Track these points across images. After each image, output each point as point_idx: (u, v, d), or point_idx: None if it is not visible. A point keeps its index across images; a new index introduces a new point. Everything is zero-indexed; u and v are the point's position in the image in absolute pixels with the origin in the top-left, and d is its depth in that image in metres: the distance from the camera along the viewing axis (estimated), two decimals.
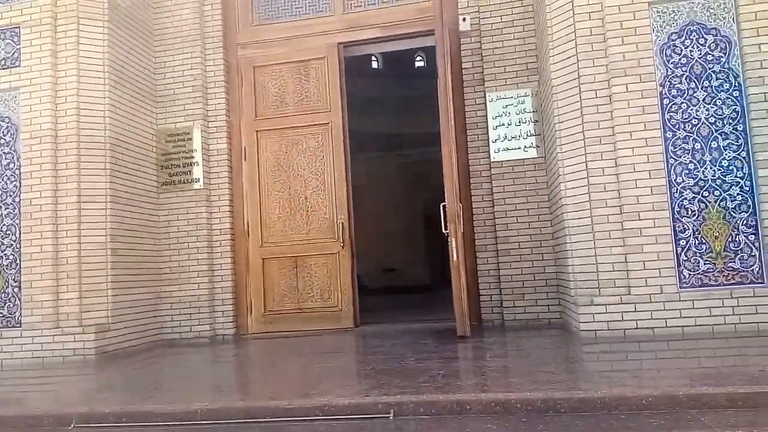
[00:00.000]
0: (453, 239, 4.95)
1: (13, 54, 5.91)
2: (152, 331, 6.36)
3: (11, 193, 5.76)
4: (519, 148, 5.91)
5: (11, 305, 5.65)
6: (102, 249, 5.75)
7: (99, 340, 5.46)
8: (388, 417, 2.78)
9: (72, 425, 3.15)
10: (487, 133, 6.02)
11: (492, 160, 5.96)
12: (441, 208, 5.10)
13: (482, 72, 6.11)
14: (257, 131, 6.81)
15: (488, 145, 6.00)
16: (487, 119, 6.03)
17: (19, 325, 5.61)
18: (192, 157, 6.68)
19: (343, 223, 6.48)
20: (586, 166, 4.74)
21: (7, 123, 5.85)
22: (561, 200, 5.05)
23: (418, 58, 13.62)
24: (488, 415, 2.69)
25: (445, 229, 5.03)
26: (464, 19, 5.97)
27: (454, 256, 4.93)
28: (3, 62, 5.91)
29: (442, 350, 4.48)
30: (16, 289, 5.66)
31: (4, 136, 5.84)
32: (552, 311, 5.66)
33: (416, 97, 13.56)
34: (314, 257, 6.55)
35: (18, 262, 5.67)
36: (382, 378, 3.46)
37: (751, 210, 4.49)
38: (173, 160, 6.71)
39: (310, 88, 6.75)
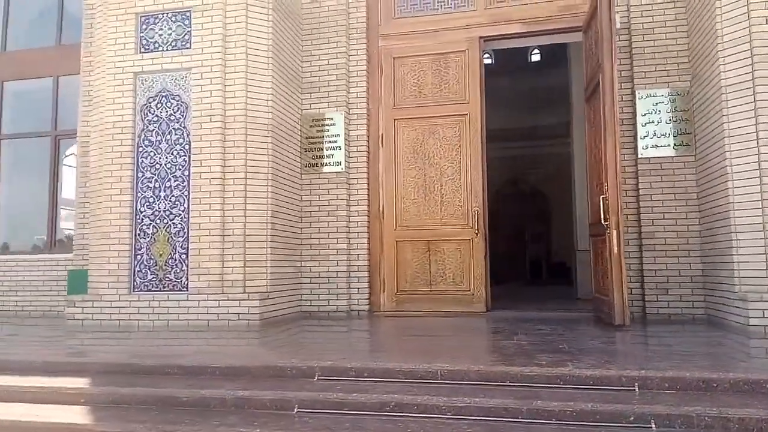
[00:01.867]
0: (614, 231, 5.11)
1: (183, 36, 6.34)
2: (295, 302, 6.75)
3: (180, 167, 6.21)
4: (668, 145, 6.00)
5: (178, 270, 6.11)
6: (263, 222, 6.15)
7: (261, 307, 5.86)
8: (633, 390, 2.99)
9: (316, 377, 3.49)
10: (634, 129, 6.13)
11: (639, 156, 6.06)
12: (601, 200, 5.25)
13: (631, 70, 6.20)
14: (395, 119, 7.09)
15: (634, 141, 6.11)
16: (635, 116, 6.12)
17: (185, 290, 6.06)
18: (335, 142, 7.02)
19: (477, 212, 6.70)
20: (759, 166, 4.81)
21: (178, 101, 6.28)
22: (723, 199, 5.13)
23: (535, 52, 13.68)
24: (736, 393, 2.87)
25: (605, 221, 5.19)
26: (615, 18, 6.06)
27: (615, 248, 5.08)
28: (174, 43, 6.34)
29: (612, 336, 4.67)
30: (183, 256, 6.11)
31: (175, 113, 6.28)
32: (696, 307, 5.75)
33: (522, 91, 13.82)
34: (447, 242, 6.80)
35: (186, 230, 6.12)
36: (603, 357, 3.62)
37: None
38: (316, 143, 7.07)
39: (449, 79, 6.98)
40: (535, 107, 14.49)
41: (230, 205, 6.06)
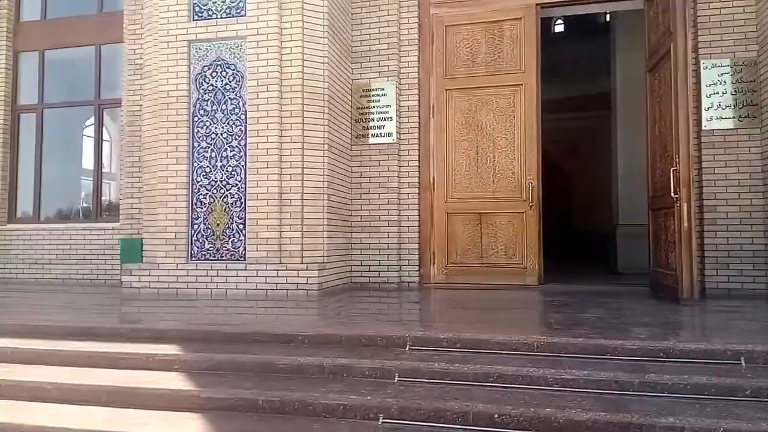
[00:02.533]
0: (684, 205, 5.03)
1: (238, 3, 6.23)
2: (346, 273, 6.77)
3: (237, 137, 6.17)
4: (733, 117, 5.87)
5: (235, 240, 6.13)
6: (320, 193, 6.13)
7: (319, 278, 5.88)
8: (740, 364, 2.98)
9: (407, 347, 3.50)
10: (697, 100, 5.99)
11: (703, 128, 5.94)
12: (672, 173, 5.16)
13: (696, 39, 6.04)
14: (446, 89, 6.98)
15: (698, 113, 5.98)
16: (699, 87, 5.98)
17: (242, 259, 6.08)
18: (386, 113, 6.94)
19: (532, 184, 6.63)
20: None
21: (233, 70, 6.21)
22: None
23: (558, 23, 13.36)
24: None
25: (675, 193, 5.11)
26: None
27: (685, 222, 5.02)
28: (228, 11, 6.24)
29: (686, 310, 4.65)
30: (240, 226, 6.12)
31: (230, 82, 6.21)
32: (757, 282, 5.70)
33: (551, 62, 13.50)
34: (500, 215, 6.76)
35: (243, 201, 6.11)
36: (695, 331, 3.62)
37: None
38: (367, 114, 6.99)
39: (504, 48, 6.83)
40: (565, 78, 14.22)
41: (288, 175, 6.03)
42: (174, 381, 3.25)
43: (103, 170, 8.42)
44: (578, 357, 3.19)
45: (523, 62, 6.75)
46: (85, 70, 8.76)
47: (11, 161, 8.44)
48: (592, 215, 12.92)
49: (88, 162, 8.51)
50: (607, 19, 9.96)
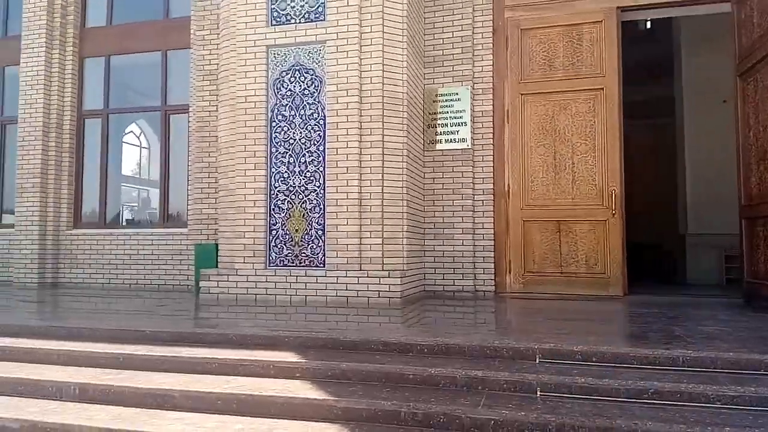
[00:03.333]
0: None
1: (317, 8, 6.19)
2: (421, 281, 6.64)
3: (315, 142, 6.11)
4: None
5: (314, 247, 6.05)
6: (399, 199, 6.03)
7: (401, 285, 5.76)
8: None
9: (537, 359, 3.35)
10: None
11: None
12: None
13: None
14: (521, 94, 6.84)
15: None
16: None
17: (322, 266, 6.00)
18: (460, 118, 6.82)
19: (614, 192, 6.43)
20: None
21: (312, 75, 6.16)
22: None
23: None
24: None
25: None
26: None
27: None
28: (307, 16, 6.20)
29: None
30: (319, 232, 6.04)
31: (309, 87, 6.16)
32: None
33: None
34: (580, 223, 6.57)
35: (321, 206, 6.04)
36: None
37: None
38: (441, 119, 6.88)
39: (582, 52, 6.67)
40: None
41: (367, 181, 5.94)
42: (303, 390, 3.15)
43: (142, 177, 8.47)
44: (732, 373, 3.00)
45: (603, 66, 6.58)
46: (147, 76, 8.85)
47: (77, 166, 8.52)
48: (651, 224, 12.59)
49: (128, 168, 8.54)
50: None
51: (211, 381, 3.34)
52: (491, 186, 6.79)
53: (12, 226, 8.58)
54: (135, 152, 10.20)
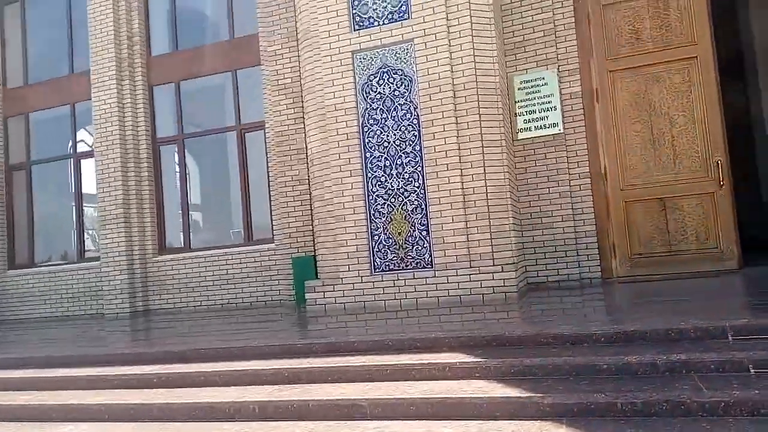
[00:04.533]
0: None
1: (400, 7, 6.11)
2: (524, 273, 6.49)
3: (410, 142, 6.02)
4: None
5: (420, 248, 5.96)
6: (503, 191, 5.90)
7: (515, 279, 5.62)
8: None
9: (730, 337, 3.18)
10: None
11: None
12: None
13: None
14: (609, 71, 6.64)
15: None
16: None
17: (429, 267, 5.90)
18: (548, 102, 6.66)
19: (719, 162, 6.18)
20: None
21: (400, 75, 6.09)
22: None
23: None
24: None
25: None
26: None
27: None
28: (391, 16, 6.13)
29: None
30: (423, 233, 5.95)
31: (398, 88, 6.09)
32: None
33: None
34: (686, 198, 6.33)
35: (423, 207, 5.95)
36: None
37: None
38: (527, 106, 6.73)
39: (671, 21, 6.45)
40: None
41: (469, 176, 5.83)
42: (496, 389, 3.04)
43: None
44: None
45: (694, 33, 6.34)
46: (216, 98, 8.94)
47: (157, 194, 8.62)
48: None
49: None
50: None
51: (391, 387, 3.26)
52: (587, 169, 6.59)
53: (97, 259, 8.73)
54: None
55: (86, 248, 9.27)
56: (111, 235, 8.38)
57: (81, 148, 9.35)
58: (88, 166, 9.25)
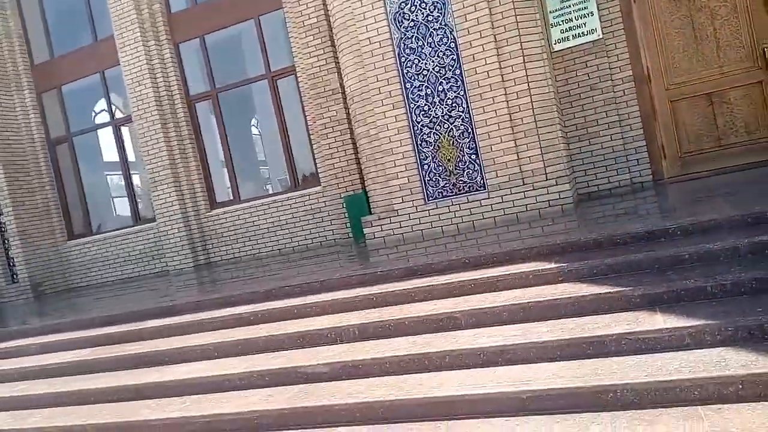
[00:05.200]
0: None
1: None
2: (574, 185, 6.57)
3: (450, 67, 6.00)
4: None
5: (470, 171, 6.06)
6: (550, 104, 5.90)
7: (570, 190, 5.72)
8: None
9: None
10: None
11: None
12: None
13: None
14: None
15: None
16: None
17: (483, 189, 6.02)
18: (584, 9, 6.51)
19: (765, 49, 6.03)
20: None
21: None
22: None
23: None
24: None
25: None
26: None
27: None
28: None
29: None
30: (472, 156, 6.03)
31: (432, 12, 6.01)
32: None
33: None
34: (732, 90, 6.24)
35: (470, 130, 6.00)
36: None
37: None
38: (563, 15, 6.59)
39: None
40: None
41: (513, 93, 5.83)
42: (582, 288, 3.22)
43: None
44: None
45: None
46: (241, 48, 8.91)
47: (199, 151, 8.80)
48: None
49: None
50: None
51: (479, 299, 3.48)
52: (630, 73, 6.50)
53: (153, 220, 9.06)
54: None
55: (140, 211, 9.61)
56: (163, 195, 8.65)
57: (118, 114, 9.48)
58: (128, 132, 9.44)
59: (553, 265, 3.53)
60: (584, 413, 2.45)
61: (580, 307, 3.08)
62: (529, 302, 3.21)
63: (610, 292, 3.07)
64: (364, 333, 3.56)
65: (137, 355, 4.21)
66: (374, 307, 3.84)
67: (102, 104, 9.56)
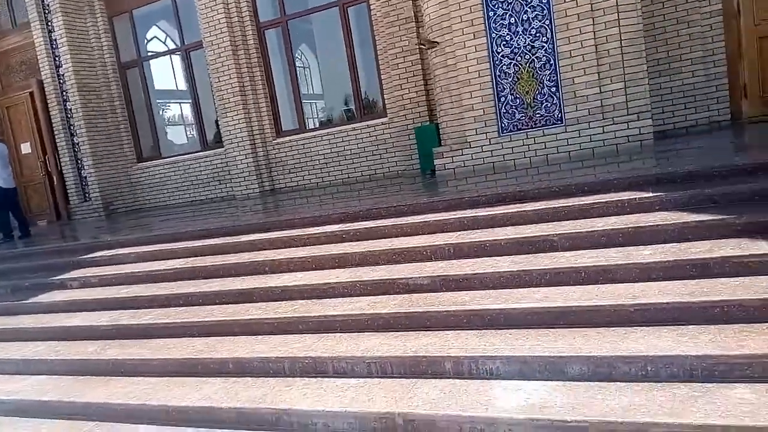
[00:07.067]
0: None
1: None
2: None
3: None
4: None
5: (549, 105, 6.04)
6: (638, 37, 5.76)
7: (652, 125, 5.67)
8: None
9: None
10: None
11: None
12: None
13: None
14: None
15: None
16: None
17: (560, 123, 6.02)
18: None
19: None
20: None
21: None
22: None
23: None
24: None
25: None
26: None
27: None
28: None
29: None
30: (552, 89, 6.00)
31: None
32: None
33: None
34: None
35: (552, 62, 5.93)
36: None
37: None
38: None
39: None
40: None
41: (601, 23, 5.70)
42: (682, 216, 3.31)
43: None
44: None
45: None
46: None
47: (267, 79, 8.92)
48: None
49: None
50: None
51: (574, 224, 3.61)
52: (720, 6, 6.25)
53: (220, 145, 9.34)
54: None
55: (207, 137, 9.91)
56: (232, 122, 8.88)
57: (189, 39, 9.61)
58: (198, 57, 9.58)
59: (649, 194, 3.61)
60: (691, 325, 2.61)
61: (681, 233, 3.18)
62: (628, 227, 3.33)
63: (713, 219, 3.16)
64: (459, 252, 3.76)
65: (237, 263, 4.54)
66: (465, 230, 4.02)
67: (172, 30, 9.68)
